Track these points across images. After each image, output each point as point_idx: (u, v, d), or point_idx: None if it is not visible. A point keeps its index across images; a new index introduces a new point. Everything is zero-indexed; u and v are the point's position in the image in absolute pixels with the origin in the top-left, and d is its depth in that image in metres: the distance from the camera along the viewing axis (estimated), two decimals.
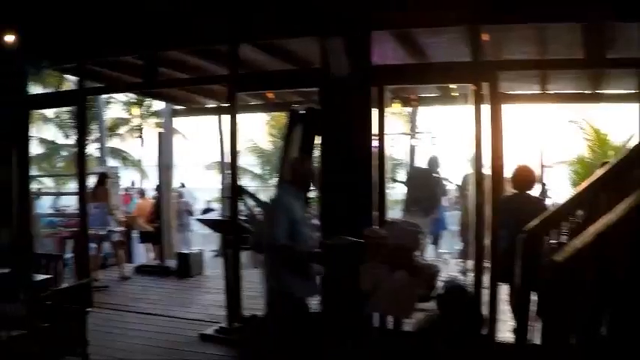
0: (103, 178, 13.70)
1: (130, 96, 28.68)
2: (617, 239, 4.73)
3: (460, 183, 13.66)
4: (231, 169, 8.97)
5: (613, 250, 4.71)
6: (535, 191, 8.50)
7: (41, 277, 7.52)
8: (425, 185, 12.61)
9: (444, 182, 13.28)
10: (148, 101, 28.59)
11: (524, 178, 8.04)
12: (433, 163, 13.33)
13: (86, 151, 11.51)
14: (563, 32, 7.94)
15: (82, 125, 11.06)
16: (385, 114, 7.88)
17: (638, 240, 4.73)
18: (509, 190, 8.26)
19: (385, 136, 7.89)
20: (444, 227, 14.74)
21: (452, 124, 18.99)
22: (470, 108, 7.72)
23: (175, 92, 13.60)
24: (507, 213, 7.54)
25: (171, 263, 13.62)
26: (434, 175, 12.95)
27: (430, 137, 18.52)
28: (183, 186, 19.83)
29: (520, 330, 6.24)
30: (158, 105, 24.21)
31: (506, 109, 7.74)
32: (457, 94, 11.15)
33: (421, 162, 13.62)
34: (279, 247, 5.74)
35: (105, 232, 12.87)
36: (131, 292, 11.68)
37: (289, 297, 6.01)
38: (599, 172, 7.35)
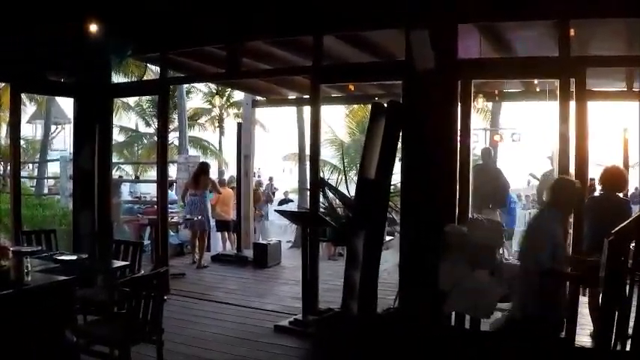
0: (205, 167, 14.21)
1: (211, 86, 29.07)
2: None
3: (539, 180, 13.43)
4: (311, 161, 8.97)
5: None
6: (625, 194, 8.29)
7: (119, 263, 7.59)
8: (486, 180, 12.41)
9: (504, 175, 12.91)
10: (228, 91, 28.90)
11: (615, 178, 7.84)
12: (487, 155, 13.13)
13: (167, 139, 11.62)
14: None
15: (163, 114, 11.18)
16: (471, 109, 7.74)
17: None
18: (598, 190, 8.05)
19: (470, 132, 7.75)
20: (513, 223, 14.51)
21: (534, 120, 18.70)
22: (554, 104, 7.57)
23: (256, 83, 13.67)
24: (593, 214, 7.38)
25: (249, 253, 13.71)
26: (493, 167, 12.74)
27: (512, 133, 18.25)
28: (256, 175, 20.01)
29: (603, 335, 6.07)
30: (238, 95, 24.50)
31: (591, 106, 7.55)
32: (547, 89, 10.96)
33: (499, 159, 13.30)
34: (548, 271, 5.57)
35: (199, 219, 13.24)
36: (208, 281, 11.78)
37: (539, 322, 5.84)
38: None
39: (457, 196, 7.51)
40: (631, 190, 17.36)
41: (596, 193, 8.00)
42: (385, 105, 7.39)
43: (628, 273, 5.81)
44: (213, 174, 22.45)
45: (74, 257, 7.43)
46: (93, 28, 8.65)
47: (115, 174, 22.73)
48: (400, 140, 7.48)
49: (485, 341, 6.65)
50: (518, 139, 17.63)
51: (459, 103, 7.57)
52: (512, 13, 7.47)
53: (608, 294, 5.94)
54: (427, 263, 6.61)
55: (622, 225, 6.04)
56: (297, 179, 22.73)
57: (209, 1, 8.90)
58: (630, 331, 5.57)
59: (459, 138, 7.56)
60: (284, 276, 12.31)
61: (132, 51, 10.34)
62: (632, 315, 5.54)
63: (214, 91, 29.48)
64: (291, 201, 19.43)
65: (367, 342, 6.65)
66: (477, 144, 19.81)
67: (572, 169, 7.41)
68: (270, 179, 21.00)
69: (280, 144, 30.75)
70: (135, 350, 6.11)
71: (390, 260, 9.38)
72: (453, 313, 7.02)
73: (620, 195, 7.91)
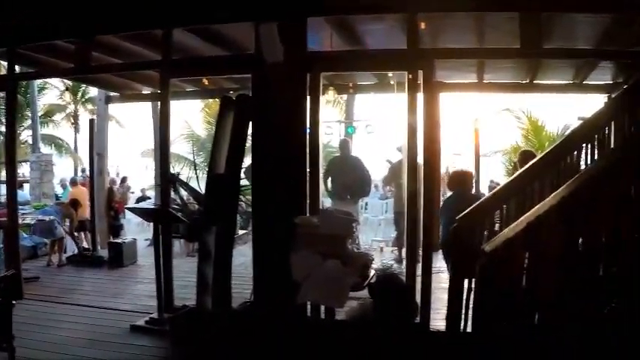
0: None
1: (66, 82, 28.32)
2: (548, 228, 4.76)
3: (388, 171, 13.78)
4: (161, 157, 8.84)
5: (544, 238, 4.74)
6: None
7: None
8: (345, 171, 12.62)
9: (364, 166, 13.15)
10: (83, 87, 28.26)
11: (461, 179, 8.24)
12: (344, 146, 13.40)
13: (17, 138, 11.20)
14: (500, 21, 7.98)
15: (11, 111, 10.74)
16: (320, 102, 7.78)
17: (570, 228, 4.76)
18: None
19: (319, 124, 7.80)
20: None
21: (388, 112, 19.11)
22: (404, 96, 7.70)
23: (111, 78, 13.32)
24: (450, 212, 7.63)
25: (104, 253, 13.42)
26: (352, 158, 13.02)
27: (366, 125, 18.58)
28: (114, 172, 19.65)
29: (452, 318, 6.23)
30: (94, 91, 24.03)
31: (444, 98, 7.74)
32: (394, 82, 11.17)
33: (355, 151, 13.57)
34: None
35: (48, 220, 13.02)
36: (62, 283, 11.42)
37: None
38: (518, 164, 7.60)
39: (307, 188, 7.57)
40: (487, 182, 17.99)
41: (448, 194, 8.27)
42: (234, 98, 7.36)
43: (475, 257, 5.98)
44: (67, 173, 22.01)
45: None
46: None
47: None
48: (250, 134, 7.46)
49: (340, 330, 6.72)
50: (372, 130, 17.96)
51: (308, 96, 7.62)
52: (362, 7, 7.56)
53: (455, 278, 6.13)
54: (280, 256, 6.60)
55: (465, 212, 6.25)
56: (154, 175, 22.45)
57: None
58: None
59: (308, 130, 7.61)
60: (140, 275, 12.09)
61: None
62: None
63: (70, 87, 28.76)
64: (149, 198, 19.07)
65: (223, 337, 6.62)
66: (332, 136, 20.14)
67: (421, 160, 7.59)
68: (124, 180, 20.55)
69: (138, 140, 30.31)
70: None
71: (247, 254, 9.36)
72: (309, 303, 7.08)
73: (472, 191, 8.25)
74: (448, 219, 7.54)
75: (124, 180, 19.84)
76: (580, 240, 4.78)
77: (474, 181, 8.58)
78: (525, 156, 8.73)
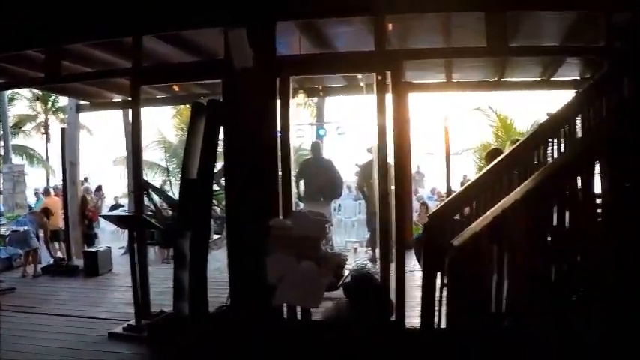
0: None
1: (35, 91, 28.17)
2: (514, 221, 4.85)
3: (358, 173, 13.89)
4: (134, 163, 8.85)
5: (510, 231, 4.83)
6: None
7: None
8: (317, 173, 12.71)
9: (336, 168, 13.27)
10: (53, 97, 28.10)
11: None
12: (316, 148, 13.55)
13: None
14: (467, 21, 8.06)
15: None
16: (290, 105, 7.85)
17: (536, 221, 4.85)
18: None
19: (290, 127, 7.86)
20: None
21: (358, 113, 19.24)
22: (373, 97, 7.77)
23: (82, 87, 13.20)
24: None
25: (79, 262, 13.36)
26: (323, 160, 13.19)
27: (337, 127, 18.66)
28: (86, 180, 19.51)
29: (426, 314, 6.31)
30: (64, 100, 23.91)
31: (414, 98, 7.80)
32: (364, 84, 11.24)
33: (327, 153, 13.71)
34: None
35: (22, 231, 12.98)
36: (39, 293, 11.35)
37: None
38: (487, 160, 7.68)
39: (280, 191, 7.62)
40: (459, 178, 18.14)
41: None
42: (205, 104, 7.40)
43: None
44: (40, 183, 21.87)
45: None
46: None
47: None
48: (221, 139, 7.50)
49: (317, 330, 6.78)
50: (343, 132, 18.06)
51: (278, 100, 7.68)
52: (329, 9, 7.61)
53: (427, 274, 6.21)
54: (254, 259, 6.66)
55: (437, 208, 6.33)
56: (127, 183, 22.33)
57: (27, 3, 8.60)
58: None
59: (278, 134, 7.66)
60: (116, 282, 12.05)
61: None
62: None
63: (40, 97, 28.61)
64: (122, 206, 18.99)
65: (201, 341, 6.66)
66: (304, 139, 20.19)
67: (391, 160, 7.66)
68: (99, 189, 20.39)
69: (110, 148, 30.16)
70: None
71: (222, 259, 9.40)
72: (285, 305, 7.13)
73: None
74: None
75: (98, 189, 19.74)
76: (545, 231, 4.88)
77: None
78: (494, 154, 8.82)
